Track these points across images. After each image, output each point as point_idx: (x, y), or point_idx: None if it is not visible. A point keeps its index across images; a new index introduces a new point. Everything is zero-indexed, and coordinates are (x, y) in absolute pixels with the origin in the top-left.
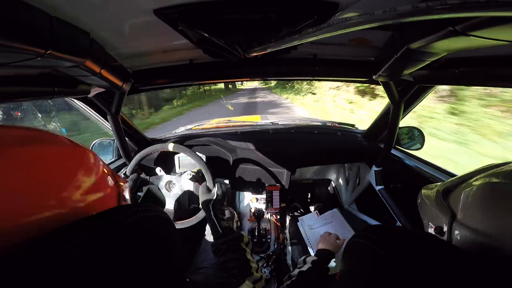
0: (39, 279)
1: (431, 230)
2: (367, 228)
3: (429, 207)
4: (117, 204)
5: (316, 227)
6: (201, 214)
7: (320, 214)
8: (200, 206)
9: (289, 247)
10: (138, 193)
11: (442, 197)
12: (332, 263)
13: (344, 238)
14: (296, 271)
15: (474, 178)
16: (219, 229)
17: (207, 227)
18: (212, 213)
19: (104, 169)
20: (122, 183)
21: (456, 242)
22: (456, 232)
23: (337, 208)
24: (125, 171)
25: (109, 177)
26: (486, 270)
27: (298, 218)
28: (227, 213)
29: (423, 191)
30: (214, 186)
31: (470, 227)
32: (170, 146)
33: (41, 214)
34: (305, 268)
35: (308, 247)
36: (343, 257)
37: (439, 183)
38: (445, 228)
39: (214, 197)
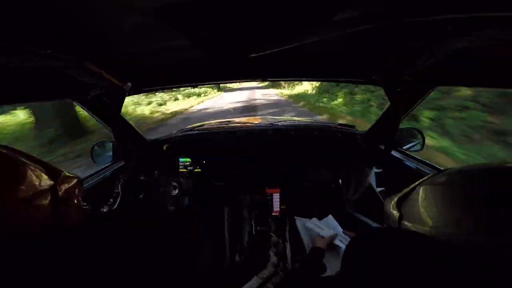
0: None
1: None
2: (368, 231)
3: (387, 213)
4: (52, 208)
5: (311, 229)
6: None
7: (316, 219)
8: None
9: (289, 250)
10: (139, 196)
11: (396, 204)
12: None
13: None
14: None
15: (421, 184)
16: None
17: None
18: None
19: (31, 173)
20: (66, 185)
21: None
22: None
23: (331, 214)
24: (124, 179)
25: (38, 180)
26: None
27: (295, 217)
28: None
29: (386, 201)
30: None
31: (415, 227)
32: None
33: None
34: (297, 265)
35: (306, 247)
36: (344, 258)
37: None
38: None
39: None
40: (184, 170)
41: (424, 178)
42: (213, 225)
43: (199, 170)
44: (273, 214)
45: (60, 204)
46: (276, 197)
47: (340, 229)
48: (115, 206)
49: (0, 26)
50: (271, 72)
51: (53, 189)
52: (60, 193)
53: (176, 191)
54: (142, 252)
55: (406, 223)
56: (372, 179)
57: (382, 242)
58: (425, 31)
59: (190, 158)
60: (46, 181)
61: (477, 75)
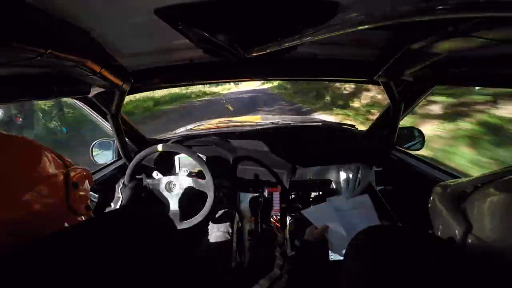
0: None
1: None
2: (368, 229)
3: (442, 213)
4: (65, 192)
5: (344, 210)
6: (205, 211)
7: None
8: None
9: (289, 249)
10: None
11: (457, 203)
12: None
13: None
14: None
15: (495, 183)
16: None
17: (210, 227)
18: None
19: (46, 161)
20: (77, 174)
21: (469, 253)
22: (470, 243)
23: (368, 194)
24: (123, 181)
25: (52, 163)
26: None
27: (326, 198)
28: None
29: (436, 191)
30: (214, 182)
31: (486, 240)
32: (159, 147)
33: None
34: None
35: (343, 232)
36: (345, 257)
37: (453, 182)
38: (457, 238)
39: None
40: (184, 168)
41: (493, 178)
42: (215, 224)
43: (200, 169)
44: (272, 212)
45: (71, 187)
46: (276, 196)
47: (374, 216)
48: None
49: (0, 25)
50: (271, 71)
51: (66, 175)
52: (71, 178)
53: (176, 190)
54: (142, 251)
55: (475, 235)
56: (372, 178)
57: (381, 241)
58: (425, 31)
59: (190, 157)
60: (59, 165)
61: (477, 75)
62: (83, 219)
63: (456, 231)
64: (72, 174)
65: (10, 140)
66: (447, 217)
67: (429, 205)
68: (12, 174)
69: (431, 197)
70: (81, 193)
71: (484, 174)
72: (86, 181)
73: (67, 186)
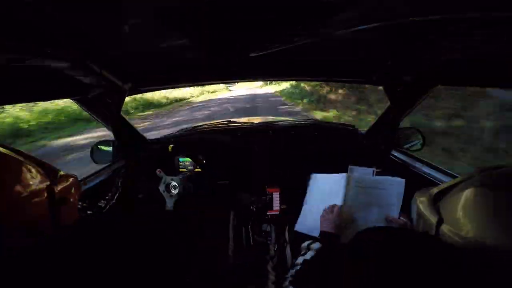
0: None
1: None
2: (369, 229)
3: (420, 210)
4: (49, 207)
5: (367, 187)
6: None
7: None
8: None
9: (289, 250)
10: (139, 195)
11: (433, 202)
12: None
13: (386, 215)
14: (300, 259)
15: (465, 184)
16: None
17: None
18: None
19: (28, 172)
20: (63, 184)
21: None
22: (442, 236)
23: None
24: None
25: (34, 179)
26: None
27: (349, 166)
28: None
29: (416, 194)
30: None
31: (455, 233)
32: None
33: None
34: (308, 256)
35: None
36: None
37: (434, 188)
38: (432, 230)
39: None
40: (184, 170)
41: (468, 177)
42: (215, 225)
43: (199, 170)
44: (270, 213)
45: (57, 204)
46: (276, 196)
47: (394, 203)
48: (113, 201)
49: (1, 26)
50: (271, 72)
51: (49, 188)
52: (57, 192)
53: (176, 191)
54: (142, 251)
55: (448, 227)
56: None
57: (386, 244)
58: (425, 31)
59: (190, 158)
60: (42, 180)
61: (477, 75)
62: None
63: (431, 224)
64: (58, 188)
65: None
66: (424, 213)
67: (411, 205)
68: None
69: (413, 200)
70: (69, 206)
71: (461, 177)
72: (75, 190)
73: (52, 202)
